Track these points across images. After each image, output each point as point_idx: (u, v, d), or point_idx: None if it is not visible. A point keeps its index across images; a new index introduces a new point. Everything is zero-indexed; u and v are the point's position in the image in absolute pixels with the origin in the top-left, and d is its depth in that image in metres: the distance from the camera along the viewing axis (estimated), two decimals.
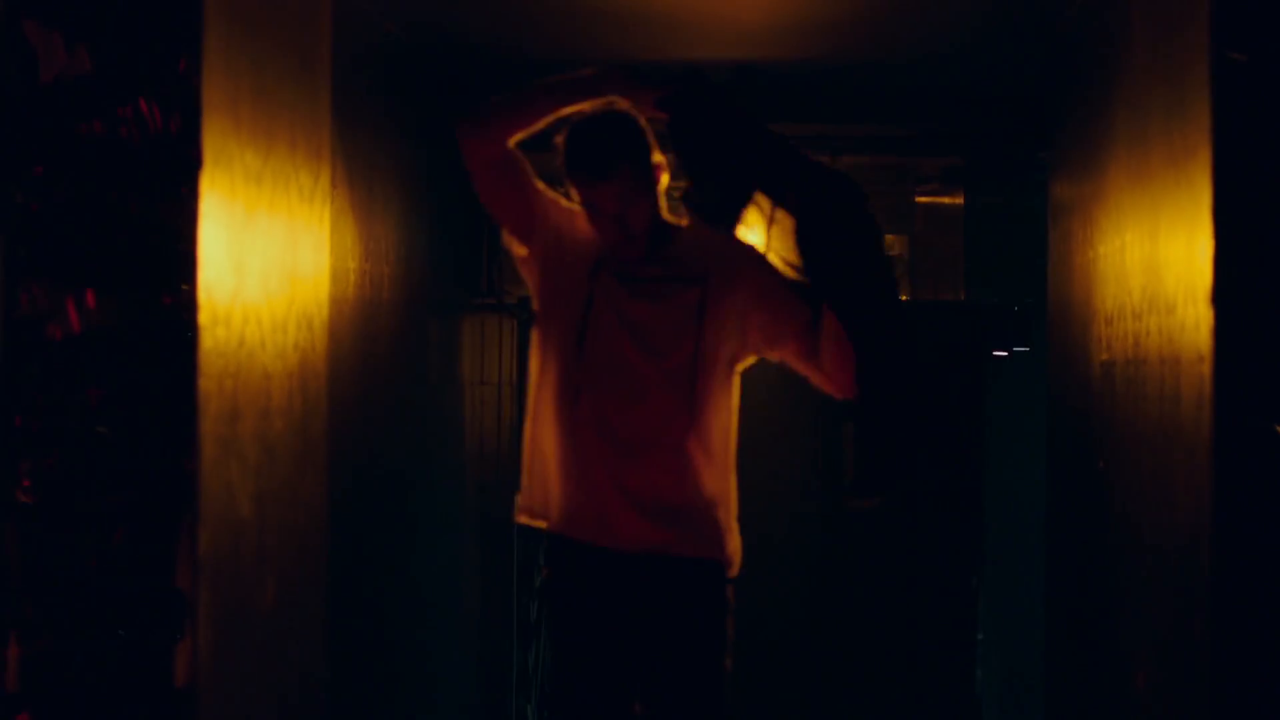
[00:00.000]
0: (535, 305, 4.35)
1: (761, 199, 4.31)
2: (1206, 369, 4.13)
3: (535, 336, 4.33)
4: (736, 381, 4.39)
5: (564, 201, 4.31)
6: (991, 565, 8.74)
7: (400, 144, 6.92)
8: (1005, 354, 9.01)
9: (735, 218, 4.30)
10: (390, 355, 6.79)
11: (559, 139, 4.13)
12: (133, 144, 3.91)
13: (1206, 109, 4.09)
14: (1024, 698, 8.75)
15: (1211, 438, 4.12)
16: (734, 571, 4.38)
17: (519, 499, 4.37)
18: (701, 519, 4.28)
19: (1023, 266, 8.32)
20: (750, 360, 4.40)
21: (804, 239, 4.21)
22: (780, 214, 4.24)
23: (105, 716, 3.71)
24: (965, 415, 8.52)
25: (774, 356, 4.36)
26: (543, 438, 4.29)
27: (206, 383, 3.91)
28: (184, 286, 3.87)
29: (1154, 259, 4.83)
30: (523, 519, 4.39)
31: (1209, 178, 4.08)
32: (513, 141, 4.23)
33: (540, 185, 4.31)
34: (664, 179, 4.20)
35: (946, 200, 9.06)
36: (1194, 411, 4.29)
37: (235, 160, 4.12)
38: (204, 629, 3.88)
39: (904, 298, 8.89)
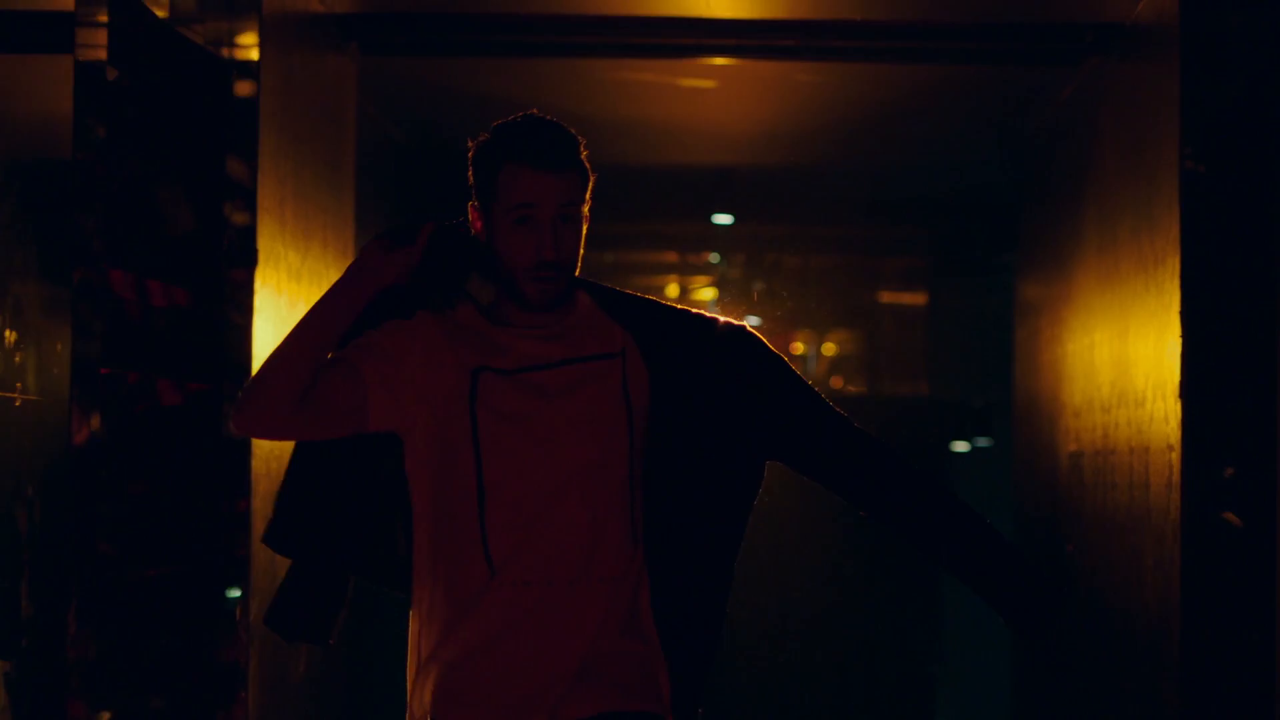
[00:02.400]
0: (411, 495, 3.10)
1: None
2: (1175, 457, 4.49)
3: (416, 526, 3.10)
4: None
5: (389, 332, 3.06)
6: (950, 655, 9.03)
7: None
8: (966, 448, 9.36)
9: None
10: None
11: (474, 141, 3.08)
12: (188, 241, 4.25)
13: (1175, 222, 4.48)
14: None
15: (1180, 521, 4.49)
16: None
17: None
18: (653, 660, 3.09)
19: (984, 363, 8.68)
20: None
21: None
22: None
23: None
24: None
25: None
26: (427, 642, 3.07)
27: (257, 464, 4.23)
28: (240, 373, 4.19)
29: (1123, 356, 5.19)
30: None
31: (1177, 284, 4.46)
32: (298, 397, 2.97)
33: (354, 359, 3.01)
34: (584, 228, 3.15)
35: (910, 299, 9.41)
36: (1163, 497, 4.65)
37: (280, 259, 4.46)
38: (254, 692, 4.17)
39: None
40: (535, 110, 3.06)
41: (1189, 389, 4.44)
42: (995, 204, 8.00)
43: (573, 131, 3.06)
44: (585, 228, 3.08)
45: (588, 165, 3.06)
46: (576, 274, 3.06)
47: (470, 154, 3.03)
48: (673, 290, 9.02)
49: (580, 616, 3.01)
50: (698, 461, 3.03)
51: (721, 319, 3.09)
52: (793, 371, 3.09)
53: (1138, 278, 4.97)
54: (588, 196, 3.06)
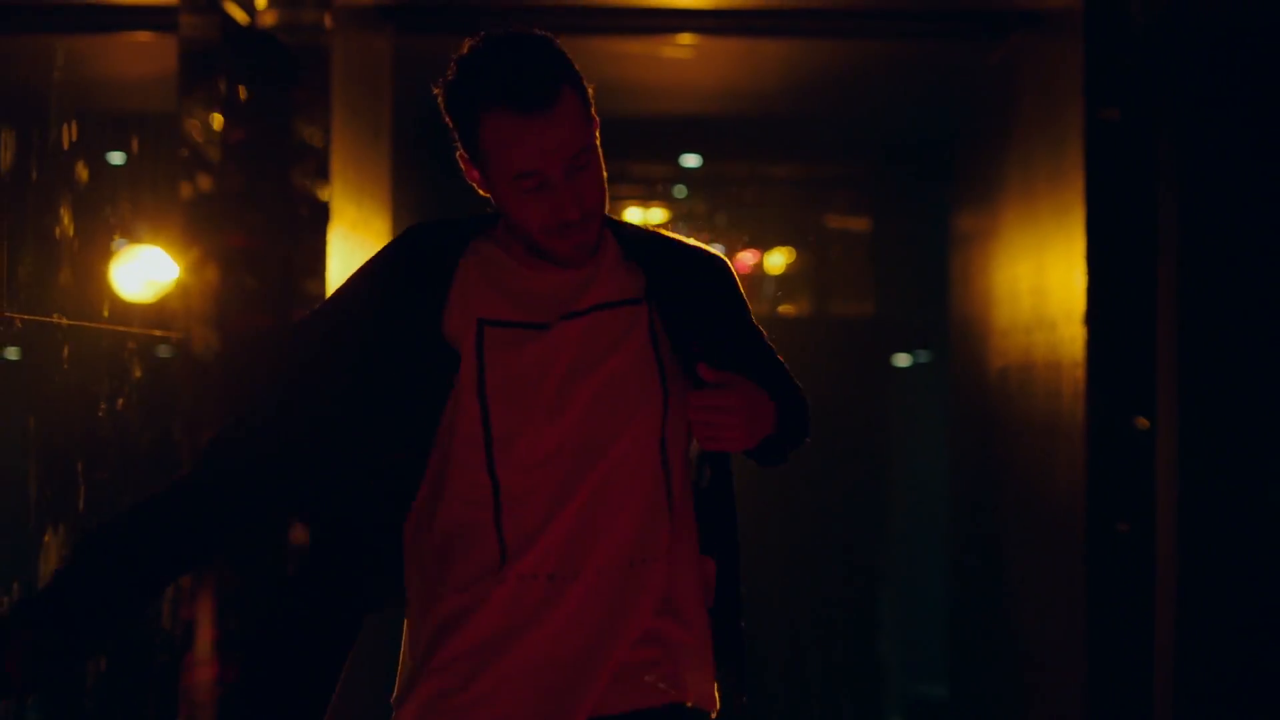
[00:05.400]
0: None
1: None
2: (1080, 373, 5.44)
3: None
4: None
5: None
6: (893, 548, 9.83)
7: (418, 192, 8.16)
8: (908, 362, 10.24)
9: None
10: None
11: (442, 81, 2.50)
12: (268, 199, 5.15)
13: (1081, 179, 5.41)
14: (923, 665, 9.76)
15: (1085, 425, 5.44)
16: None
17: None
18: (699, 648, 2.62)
19: (923, 285, 9.52)
20: None
21: None
22: None
23: None
24: (869, 420, 9.65)
25: None
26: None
27: None
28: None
29: (1041, 286, 6.11)
30: None
31: (1083, 229, 5.39)
32: None
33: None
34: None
35: (856, 226, 10.24)
36: (1071, 405, 5.59)
37: (344, 214, 5.38)
38: None
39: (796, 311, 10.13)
40: (493, 27, 2.47)
41: (1091, 316, 5.39)
42: (932, 147, 8.80)
43: (551, 42, 2.46)
44: (600, 149, 2.49)
45: (584, 82, 2.46)
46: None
47: (440, 98, 2.48)
48: (633, 218, 9.87)
49: (607, 607, 2.51)
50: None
51: (712, 251, 2.66)
52: (750, 316, 2.69)
53: (1052, 221, 5.89)
54: (593, 114, 2.47)
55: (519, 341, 2.48)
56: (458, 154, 2.47)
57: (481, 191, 2.48)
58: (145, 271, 5.48)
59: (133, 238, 4.90)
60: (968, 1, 6.28)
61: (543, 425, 2.47)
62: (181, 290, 4.44)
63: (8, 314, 3.00)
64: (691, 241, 2.66)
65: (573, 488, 2.48)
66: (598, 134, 2.47)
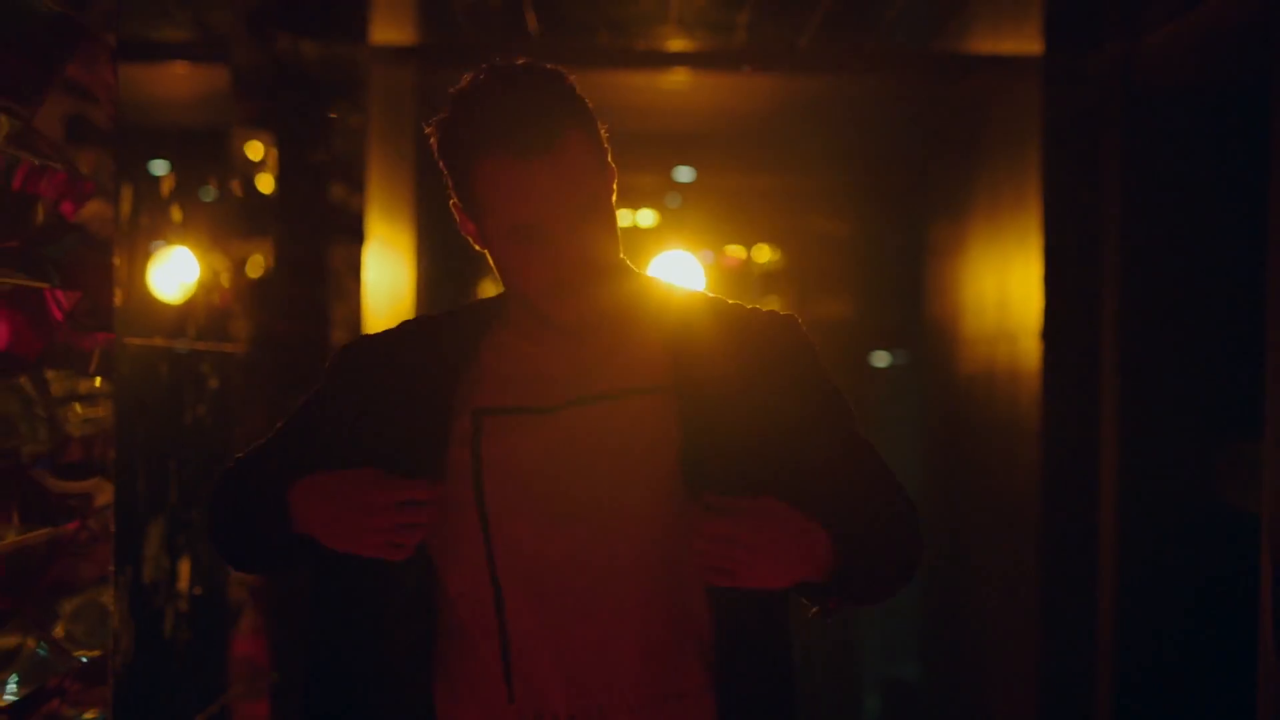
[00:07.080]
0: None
1: None
2: (1037, 383, 5.96)
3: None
4: None
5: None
6: None
7: (437, 215, 8.70)
8: (885, 363, 10.70)
9: None
10: None
11: (434, 121, 2.19)
12: (316, 216, 5.70)
13: (1039, 209, 5.96)
14: (897, 646, 10.14)
15: (1040, 430, 5.92)
16: None
17: None
18: None
19: (901, 289, 9.83)
20: None
21: None
22: None
23: None
24: None
25: None
26: None
27: None
28: (353, 326, 5.68)
29: (1004, 301, 6.56)
30: None
31: (1040, 255, 5.90)
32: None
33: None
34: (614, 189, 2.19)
35: (838, 232, 10.67)
36: (1029, 411, 6.07)
37: (375, 233, 5.95)
38: None
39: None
40: (499, 59, 2.15)
41: (1048, 333, 5.84)
42: (909, 161, 9.16)
43: (559, 77, 2.13)
44: (614, 199, 2.16)
45: (596, 123, 2.15)
46: (618, 256, 2.17)
47: (433, 140, 2.18)
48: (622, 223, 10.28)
49: None
50: None
51: (774, 313, 2.29)
52: (831, 396, 2.31)
53: (1014, 243, 6.35)
54: (609, 160, 2.15)
55: (518, 429, 2.13)
56: (451, 203, 2.18)
57: (477, 246, 2.19)
58: (178, 274, 6.03)
59: (171, 243, 5.40)
60: (937, 45, 6.82)
61: (547, 530, 2.11)
62: (235, 301, 4.98)
63: (125, 339, 3.57)
64: (747, 306, 2.27)
65: (579, 615, 2.11)
66: (614, 183, 2.15)
